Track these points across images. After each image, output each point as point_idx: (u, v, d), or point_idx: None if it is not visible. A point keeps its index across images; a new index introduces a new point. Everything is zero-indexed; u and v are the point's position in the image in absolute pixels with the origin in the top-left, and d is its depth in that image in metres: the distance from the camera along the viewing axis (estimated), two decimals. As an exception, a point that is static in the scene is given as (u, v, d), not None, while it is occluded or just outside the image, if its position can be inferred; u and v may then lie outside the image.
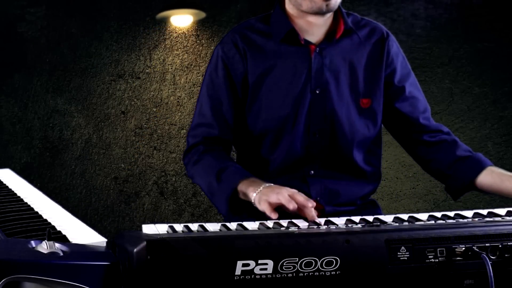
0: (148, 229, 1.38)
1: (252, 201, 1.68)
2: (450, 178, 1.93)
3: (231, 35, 1.96)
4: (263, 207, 1.61)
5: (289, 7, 1.93)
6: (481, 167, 1.87)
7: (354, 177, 1.95)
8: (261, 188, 1.67)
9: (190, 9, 4.17)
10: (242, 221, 1.51)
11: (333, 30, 1.92)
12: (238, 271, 1.20)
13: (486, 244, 1.30)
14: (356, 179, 1.96)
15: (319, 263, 1.23)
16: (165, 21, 4.16)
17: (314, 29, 1.91)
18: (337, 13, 1.93)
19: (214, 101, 1.94)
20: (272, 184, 1.69)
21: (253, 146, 1.95)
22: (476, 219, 1.48)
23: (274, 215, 1.57)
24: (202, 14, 4.18)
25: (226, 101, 1.93)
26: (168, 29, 4.17)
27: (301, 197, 1.58)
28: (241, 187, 1.74)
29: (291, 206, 1.56)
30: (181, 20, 4.19)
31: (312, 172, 1.92)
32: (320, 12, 1.85)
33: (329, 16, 1.91)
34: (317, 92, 1.89)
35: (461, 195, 1.94)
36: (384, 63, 1.95)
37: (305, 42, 1.90)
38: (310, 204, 1.56)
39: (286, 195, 1.58)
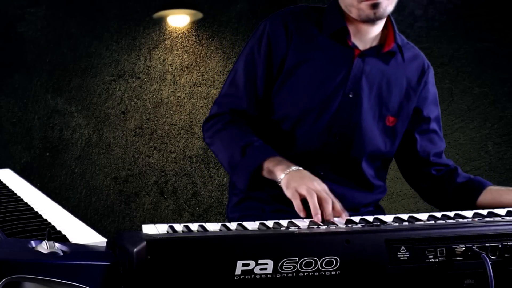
0: (148, 229, 1.38)
1: (279, 181, 1.66)
2: (452, 202, 1.96)
3: (283, 14, 1.92)
4: (290, 194, 1.59)
5: (344, 8, 1.89)
6: (480, 188, 1.90)
7: (361, 187, 1.95)
8: (290, 170, 1.65)
9: (187, 9, 4.17)
10: (242, 221, 1.51)
11: (382, 43, 1.91)
12: (238, 271, 1.20)
13: (486, 244, 1.30)
14: (363, 190, 1.96)
15: (319, 263, 1.23)
16: (162, 21, 4.16)
17: (363, 36, 1.88)
18: (388, 26, 1.91)
19: (249, 74, 1.91)
20: (301, 169, 1.66)
21: (269, 129, 1.93)
22: (476, 219, 1.48)
23: (303, 214, 1.55)
24: (199, 15, 4.18)
25: (261, 76, 1.90)
26: (168, 29, 4.16)
27: (328, 207, 1.54)
28: (268, 164, 1.72)
29: (315, 213, 1.53)
30: (178, 20, 4.19)
31: (322, 173, 1.90)
32: (368, 20, 1.83)
33: (379, 26, 1.88)
34: (350, 96, 1.88)
35: None
36: (419, 91, 1.97)
37: (352, 45, 1.88)
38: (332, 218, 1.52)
39: (315, 198, 1.54)
